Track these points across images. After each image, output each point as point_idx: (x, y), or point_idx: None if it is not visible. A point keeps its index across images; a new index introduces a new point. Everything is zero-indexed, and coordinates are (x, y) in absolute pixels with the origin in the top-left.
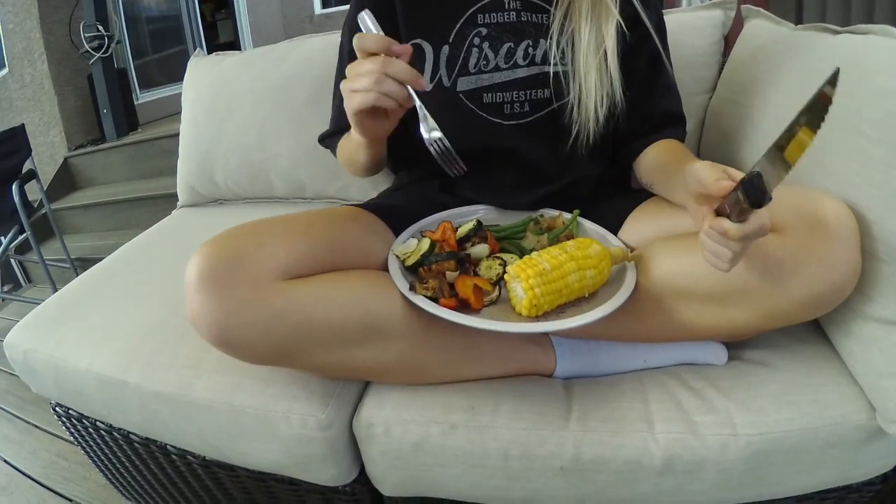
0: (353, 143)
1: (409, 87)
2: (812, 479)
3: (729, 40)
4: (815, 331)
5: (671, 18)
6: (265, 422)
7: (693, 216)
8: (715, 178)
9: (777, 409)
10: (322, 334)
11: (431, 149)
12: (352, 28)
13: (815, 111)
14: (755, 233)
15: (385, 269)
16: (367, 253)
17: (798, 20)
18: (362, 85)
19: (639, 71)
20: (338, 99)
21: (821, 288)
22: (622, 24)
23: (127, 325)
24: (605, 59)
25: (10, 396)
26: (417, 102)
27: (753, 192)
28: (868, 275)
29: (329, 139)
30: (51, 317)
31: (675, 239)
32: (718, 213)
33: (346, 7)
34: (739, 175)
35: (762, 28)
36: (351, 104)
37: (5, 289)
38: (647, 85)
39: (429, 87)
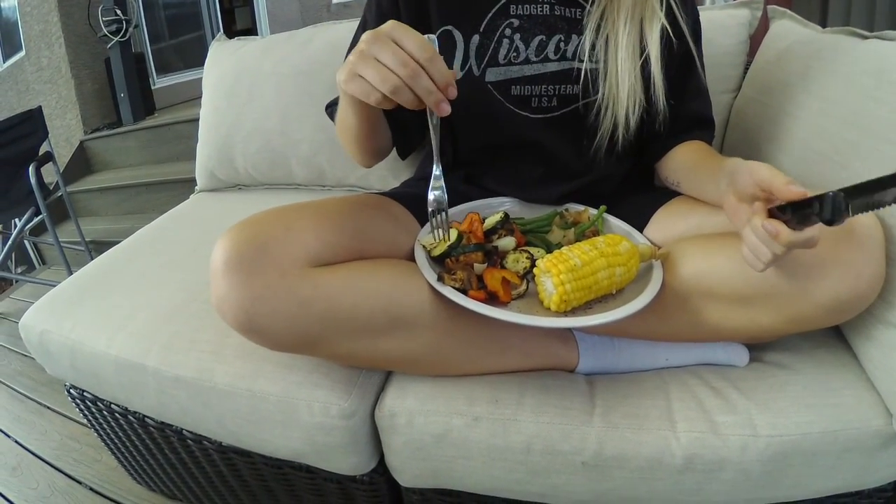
0: (341, 102)
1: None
2: (827, 483)
3: (754, 40)
4: (835, 335)
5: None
6: (287, 409)
7: (730, 212)
8: (784, 181)
9: (797, 411)
10: (348, 323)
11: (429, 209)
12: (379, 1)
13: None
14: (804, 243)
15: (410, 258)
16: (394, 242)
17: (822, 22)
18: (373, 78)
19: (670, 72)
20: None
21: (846, 294)
22: (668, 28)
23: (145, 309)
24: (647, 65)
25: (23, 378)
26: (436, 141)
27: (832, 209)
28: (891, 281)
29: (334, 107)
30: (68, 298)
31: (703, 238)
32: (771, 214)
33: None
34: (800, 185)
35: (789, 29)
36: (347, 86)
37: (19, 270)
38: (677, 86)
39: (447, 112)
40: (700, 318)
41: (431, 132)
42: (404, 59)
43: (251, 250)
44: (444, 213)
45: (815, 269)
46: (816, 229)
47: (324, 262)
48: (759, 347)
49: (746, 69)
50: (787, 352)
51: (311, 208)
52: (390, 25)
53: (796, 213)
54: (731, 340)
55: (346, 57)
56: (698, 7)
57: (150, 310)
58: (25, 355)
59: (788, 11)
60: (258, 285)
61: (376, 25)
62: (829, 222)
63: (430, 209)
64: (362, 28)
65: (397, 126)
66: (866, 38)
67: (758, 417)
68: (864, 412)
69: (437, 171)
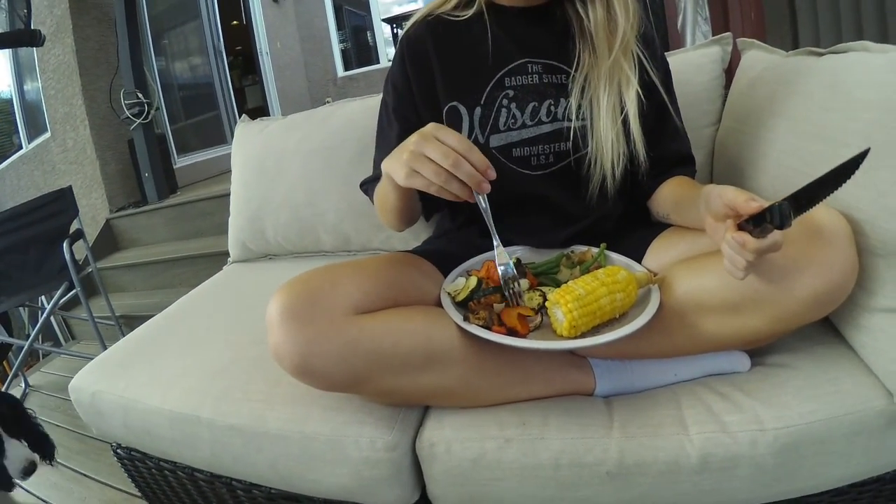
0: (384, 184)
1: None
2: (844, 471)
3: (729, 73)
4: (829, 332)
5: (674, 60)
6: (336, 447)
7: (711, 232)
8: (745, 199)
9: (799, 403)
10: (390, 361)
11: (500, 269)
12: (395, 85)
13: (841, 177)
14: (769, 248)
15: (438, 304)
16: (422, 291)
17: (795, 42)
18: (428, 173)
19: (648, 121)
20: (380, 150)
21: (822, 287)
22: (641, 92)
23: (195, 367)
24: (627, 123)
25: (58, 447)
26: (489, 220)
27: (780, 217)
28: (867, 270)
29: (370, 185)
30: (118, 361)
31: (690, 260)
32: (739, 227)
33: (368, 68)
34: (760, 200)
35: (757, 58)
36: (406, 181)
37: (45, 345)
38: (655, 132)
39: (488, 190)
40: (698, 331)
41: (483, 214)
42: (447, 151)
43: (303, 303)
44: (517, 283)
45: (791, 269)
46: (777, 235)
47: (366, 310)
48: (760, 352)
49: (725, 102)
50: (786, 353)
51: (351, 266)
52: (432, 127)
53: (757, 224)
54: (730, 348)
55: (377, 140)
56: (680, 48)
57: (201, 368)
58: (58, 425)
59: (756, 41)
60: (311, 332)
61: (394, 105)
62: (780, 227)
63: (502, 281)
64: (384, 108)
65: (426, 199)
66: (822, 55)
67: (763, 413)
68: (865, 395)
69: (498, 248)
